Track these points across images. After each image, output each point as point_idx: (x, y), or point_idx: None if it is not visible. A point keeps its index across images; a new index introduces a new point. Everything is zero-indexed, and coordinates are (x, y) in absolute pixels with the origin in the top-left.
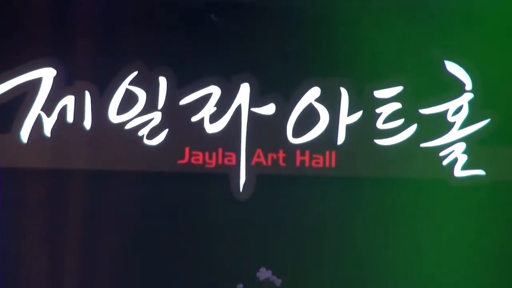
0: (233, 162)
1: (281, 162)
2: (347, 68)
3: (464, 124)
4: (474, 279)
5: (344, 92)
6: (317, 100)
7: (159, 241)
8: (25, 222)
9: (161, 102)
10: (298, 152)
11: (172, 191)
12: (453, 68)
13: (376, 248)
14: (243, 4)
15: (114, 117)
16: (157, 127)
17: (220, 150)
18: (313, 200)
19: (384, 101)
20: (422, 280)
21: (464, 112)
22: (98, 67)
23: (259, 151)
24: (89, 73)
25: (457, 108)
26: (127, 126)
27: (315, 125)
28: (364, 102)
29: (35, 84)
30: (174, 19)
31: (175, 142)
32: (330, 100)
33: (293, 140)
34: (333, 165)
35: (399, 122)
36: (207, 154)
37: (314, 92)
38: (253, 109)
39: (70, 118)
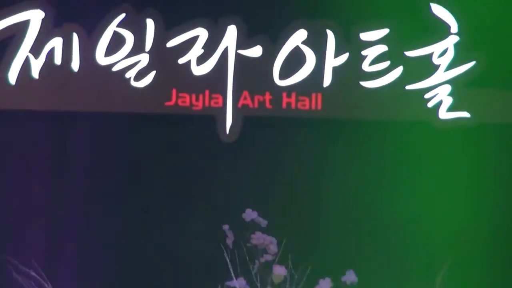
0: (220, 104)
1: (267, 104)
2: (333, 10)
3: (450, 67)
4: (461, 217)
5: (330, 35)
6: (303, 42)
7: (145, 180)
8: (11, 163)
9: (148, 44)
10: (284, 95)
11: (159, 132)
12: (438, 10)
13: (362, 189)
14: None
15: (101, 59)
16: (145, 69)
17: (207, 92)
18: (298, 142)
19: (370, 44)
20: (409, 220)
21: (450, 54)
22: (86, 10)
23: (245, 93)
24: (77, 15)
25: (442, 51)
26: (115, 68)
27: (302, 67)
28: (350, 45)
29: (23, 26)
30: None
31: (162, 84)
32: (317, 43)
33: (280, 83)
34: (319, 107)
35: (385, 64)
36: (194, 96)
37: (300, 35)
38: (239, 52)
39: (58, 60)
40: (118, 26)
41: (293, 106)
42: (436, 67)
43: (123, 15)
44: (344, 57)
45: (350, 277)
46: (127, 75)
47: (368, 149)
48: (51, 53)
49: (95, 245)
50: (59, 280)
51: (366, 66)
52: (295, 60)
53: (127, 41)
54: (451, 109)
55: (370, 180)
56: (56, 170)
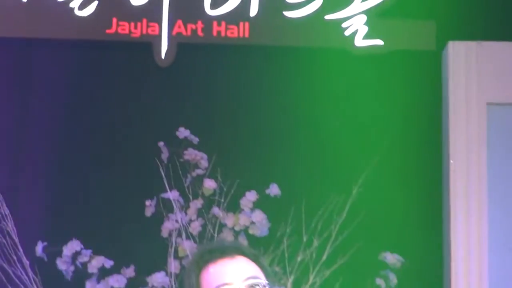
0: (156, 32)
1: (199, 32)
2: None
3: None
4: (376, 134)
5: None
6: None
7: (86, 101)
8: None
9: None
10: (215, 23)
11: (100, 57)
12: None
13: (285, 108)
14: None
15: None
16: None
17: (144, 21)
18: (228, 66)
19: None
20: (329, 137)
21: None
22: None
23: (179, 22)
24: None
25: None
26: None
27: None
28: None
29: None
30: None
31: (103, 13)
32: None
33: (211, 12)
34: (247, 35)
35: None
36: (132, 24)
37: None
38: None
39: None
40: None
41: (222, 34)
42: None
43: None
44: None
45: (273, 190)
46: (72, 4)
47: (292, 72)
48: None
49: (29, 167)
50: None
51: None
52: None
53: None
54: (366, 37)
55: (294, 100)
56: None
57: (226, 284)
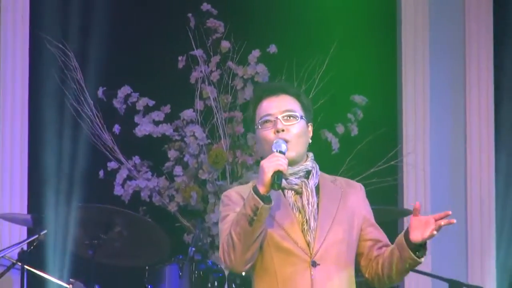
0: None
1: None
2: None
3: None
4: (347, 15)
5: None
6: None
7: None
8: None
9: None
10: None
11: None
12: None
13: None
14: None
15: None
16: None
17: None
18: None
19: None
20: (308, 16)
21: None
22: None
23: None
24: None
25: None
26: None
27: None
28: None
29: None
30: None
31: None
32: None
33: None
34: None
35: None
36: None
37: None
38: None
39: None
40: None
41: None
42: None
43: None
44: None
45: (272, 48)
46: None
47: None
48: None
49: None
50: None
51: None
52: None
53: None
54: None
55: None
56: None
57: (269, 114)
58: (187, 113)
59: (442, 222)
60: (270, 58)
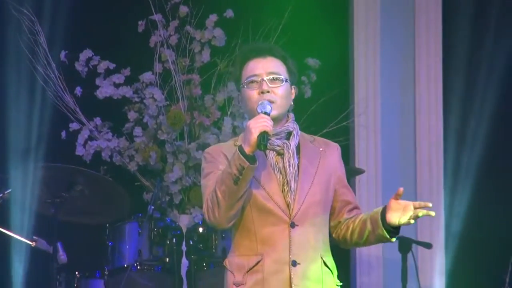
0: None
1: None
2: None
3: None
4: None
5: None
6: None
7: None
8: None
9: None
10: None
11: None
12: None
13: None
14: None
15: None
16: None
17: None
18: None
19: None
20: None
21: None
22: None
23: None
24: None
25: None
26: None
27: None
28: None
29: None
30: None
31: None
32: None
33: None
34: None
35: None
36: None
37: None
38: None
39: None
40: None
41: None
42: None
43: None
44: None
45: (229, 13)
46: None
47: None
48: None
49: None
50: None
51: None
52: None
53: None
54: None
55: None
56: None
57: (255, 75)
58: (147, 76)
59: (420, 213)
60: (227, 23)
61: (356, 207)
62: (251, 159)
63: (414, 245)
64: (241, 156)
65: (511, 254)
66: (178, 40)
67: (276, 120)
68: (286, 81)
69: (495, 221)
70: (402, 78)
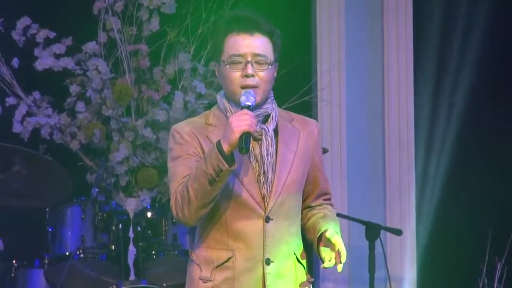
0: None
1: None
2: None
3: None
4: None
5: None
6: None
7: None
8: None
9: None
10: None
11: None
12: None
13: None
14: None
15: None
16: None
17: None
18: None
19: None
20: None
21: None
22: None
23: None
24: None
25: None
26: None
27: None
28: None
29: None
30: None
31: None
32: None
33: None
34: None
35: None
36: None
37: None
38: None
39: None
40: None
41: None
42: None
43: None
44: None
45: None
46: None
47: None
48: None
49: None
50: None
51: None
52: None
53: None
54: None
55: None
56: None
57: (240, 55)
58: (90, 46)
59: (326, 264)
60: None
61: (325, 193)
62: (230, 160)
63: (382, 232)
64: (220, 156)
65: (487, 241)
66: (124, 7)
67: (257, 105)
68: (272, 64)
69: (471, 203)
70: (369, 48)
